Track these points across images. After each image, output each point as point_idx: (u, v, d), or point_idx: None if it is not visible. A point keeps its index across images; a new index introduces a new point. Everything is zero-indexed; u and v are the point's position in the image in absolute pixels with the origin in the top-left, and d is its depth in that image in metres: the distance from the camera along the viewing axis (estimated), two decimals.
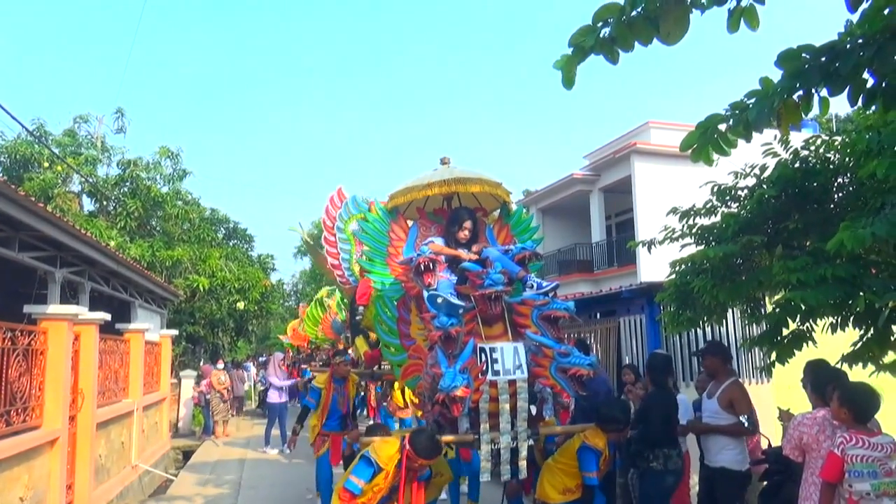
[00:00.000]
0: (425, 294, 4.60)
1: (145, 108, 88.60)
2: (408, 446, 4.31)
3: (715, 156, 2.85)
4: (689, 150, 2.85)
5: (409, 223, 5.50)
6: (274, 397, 13.24)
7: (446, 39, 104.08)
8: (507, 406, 4.39)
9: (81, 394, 7.98)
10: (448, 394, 4.12)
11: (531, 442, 4.55)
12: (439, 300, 4.40)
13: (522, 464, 4.48)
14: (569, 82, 2.73)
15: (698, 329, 7.08)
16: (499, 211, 5.78)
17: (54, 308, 7.08)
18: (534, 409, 4.59)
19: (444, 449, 4.43)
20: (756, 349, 6.34)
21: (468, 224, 5.12)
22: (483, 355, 4.47)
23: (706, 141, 2.83)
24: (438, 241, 5.07)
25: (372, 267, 5.22)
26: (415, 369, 5.02)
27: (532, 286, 4.73)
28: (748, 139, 2.80)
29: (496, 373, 4.41)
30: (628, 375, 6.59)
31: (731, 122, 2.81)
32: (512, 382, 4.42)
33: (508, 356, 4.47)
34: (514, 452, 4.48)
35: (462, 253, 4.97)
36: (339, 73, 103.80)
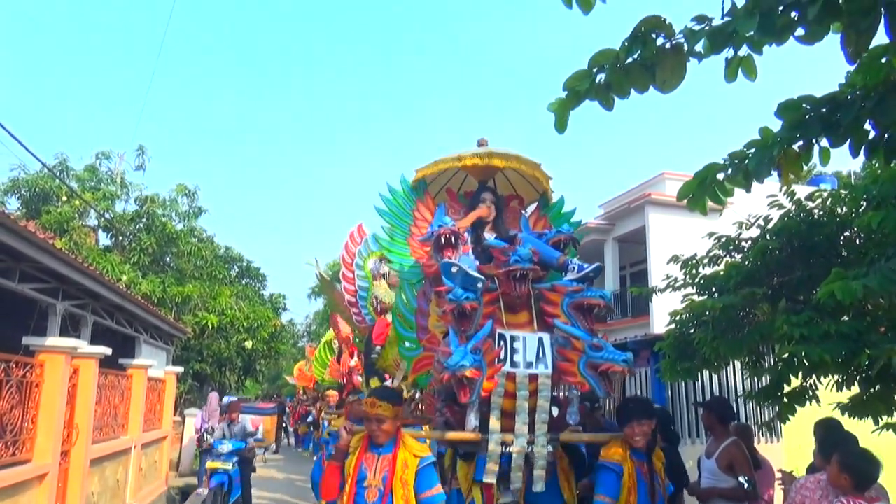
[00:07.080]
0: (441, 263, 4.02)
1: (167, 145, 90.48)
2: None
3: (713, 205, 2.79)
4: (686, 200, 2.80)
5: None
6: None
7: (467, 88, 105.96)
8: (526, 404, 3.77)
9: (76, 429, 7.88)
10: (454, 373, 3.45)
11: (550, 448, 3.78)
12: (454, 269, 3.86)
13: (540, 473, 3.71)
14: (561, 126, 2.70)
15: (702, 381, 6.84)
16: (537, 203, 5.20)
17: (52, 340, 7.03)
18: (556, 412, 4.01)
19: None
20: (763, 406, 6.13)
21: (489, 196, 4.67)
22: (502, 342, 3.87)
23: (704, 191, 2.78)
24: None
25: (392, 246, 4.76)
26: (427, 363, 4.24)
27: (573, 269, 4.14)
28: (747, 189, 2.74)
29: (515, 364, 3.83)
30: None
31: (729, 172, 2.77)
32: (533, 378, 3.82)
33: (531, 347, 3.89)
34: (529, 460, 3.76)
35: (483, 210, 4.55)
36: (361, 118, 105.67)
